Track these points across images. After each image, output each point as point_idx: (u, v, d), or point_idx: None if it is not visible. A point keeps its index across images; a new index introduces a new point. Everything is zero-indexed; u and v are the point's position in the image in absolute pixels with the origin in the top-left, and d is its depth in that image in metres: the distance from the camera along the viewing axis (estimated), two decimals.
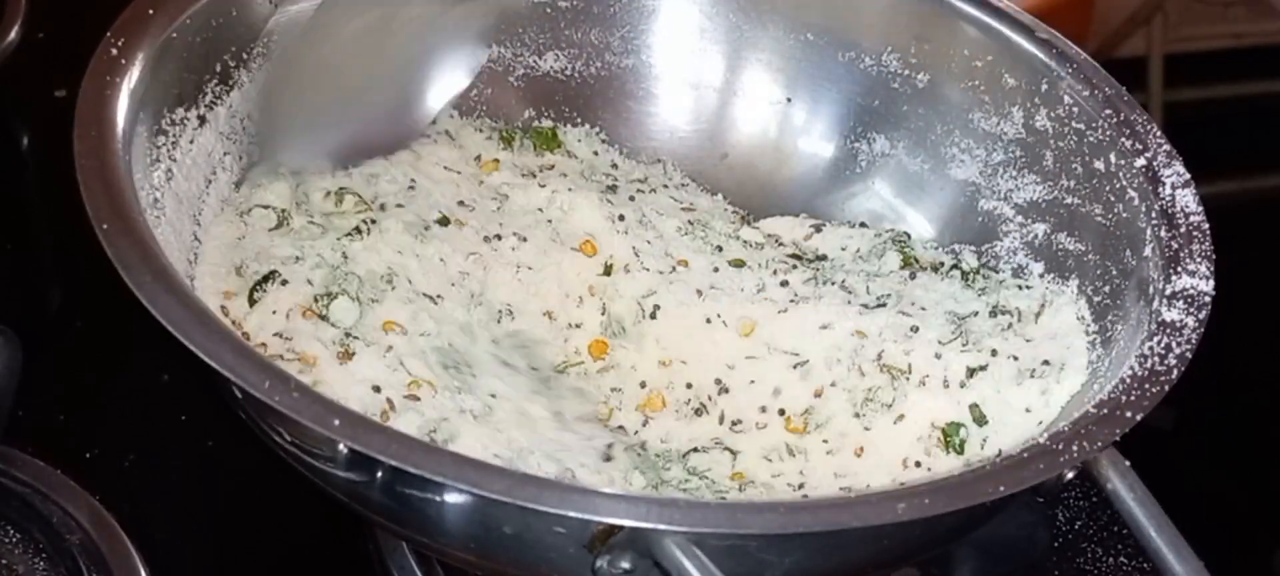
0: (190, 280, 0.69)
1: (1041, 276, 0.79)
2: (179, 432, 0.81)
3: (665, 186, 0.86)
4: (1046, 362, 0.73)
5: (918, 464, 0.71)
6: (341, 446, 0.57)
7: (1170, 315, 0.67)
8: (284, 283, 0.71)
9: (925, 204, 0.85)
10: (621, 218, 0.80)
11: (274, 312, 0.70)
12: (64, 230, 0.91)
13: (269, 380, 0.56)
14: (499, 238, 0.78)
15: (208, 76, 0.74)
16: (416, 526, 0.63)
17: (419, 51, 0.83)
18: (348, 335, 0.70)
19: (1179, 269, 0.69)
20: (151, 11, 0.71)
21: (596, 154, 0.87)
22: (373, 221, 0.75)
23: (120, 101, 0.66)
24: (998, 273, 0.81)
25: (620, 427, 0.73)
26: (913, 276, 0.80)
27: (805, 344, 0.76)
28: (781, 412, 0.74)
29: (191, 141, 0.72)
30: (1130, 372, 0.64)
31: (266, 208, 0.75)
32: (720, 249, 0.81)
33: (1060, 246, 0.79)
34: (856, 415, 0.73)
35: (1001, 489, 0.58)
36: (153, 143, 0.69)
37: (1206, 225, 0.71)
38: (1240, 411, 1.00)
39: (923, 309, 0.77)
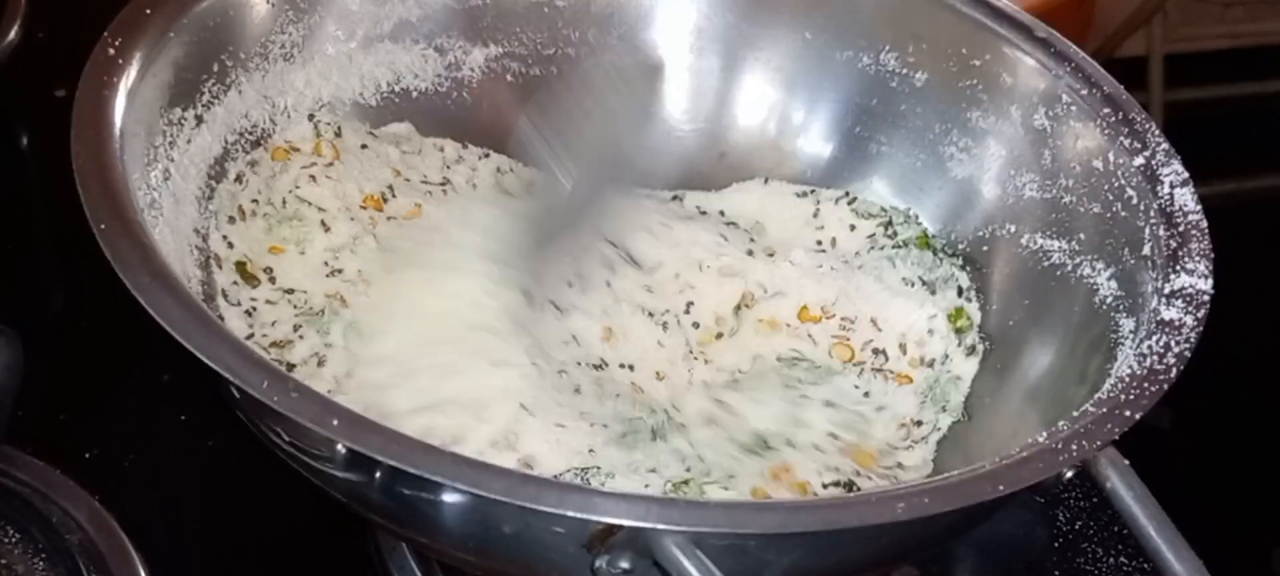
0: (188, 280, 0.68)
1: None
2: (179, 432, 0.81)
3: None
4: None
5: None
6: (340, 446, 0.57)
7: (1169, 314, 0.67)
8: None
9: (924, 203, 0.85)
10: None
11: None
12: (64, 230, 0.90)
13: (267, 380, 0.56)
14: None
15: (205, 77, 0.74)
16: (416, 526, 0.63)
17: None
18: None
19: (1177, 267, 0.69)
20: (149, 11, 0.71)
21: None
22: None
23: (118, 102, 0.66)
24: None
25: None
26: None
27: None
28: None
29: (189, 141, 0.72)
30: (1129, 371, 0.64)
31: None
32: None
33: (1058, 245, 0.79)
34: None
35: (1001, 488, 0.58)
36: (150, 143, 0.69)
37: (1205, 223, 0.71)
38: (1239, 410, 1.00)
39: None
